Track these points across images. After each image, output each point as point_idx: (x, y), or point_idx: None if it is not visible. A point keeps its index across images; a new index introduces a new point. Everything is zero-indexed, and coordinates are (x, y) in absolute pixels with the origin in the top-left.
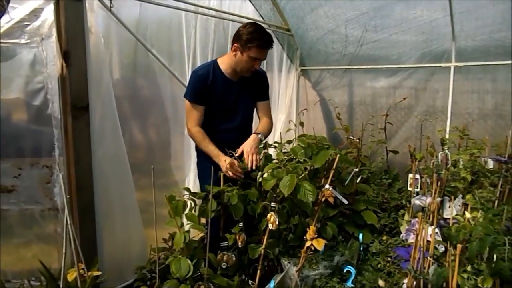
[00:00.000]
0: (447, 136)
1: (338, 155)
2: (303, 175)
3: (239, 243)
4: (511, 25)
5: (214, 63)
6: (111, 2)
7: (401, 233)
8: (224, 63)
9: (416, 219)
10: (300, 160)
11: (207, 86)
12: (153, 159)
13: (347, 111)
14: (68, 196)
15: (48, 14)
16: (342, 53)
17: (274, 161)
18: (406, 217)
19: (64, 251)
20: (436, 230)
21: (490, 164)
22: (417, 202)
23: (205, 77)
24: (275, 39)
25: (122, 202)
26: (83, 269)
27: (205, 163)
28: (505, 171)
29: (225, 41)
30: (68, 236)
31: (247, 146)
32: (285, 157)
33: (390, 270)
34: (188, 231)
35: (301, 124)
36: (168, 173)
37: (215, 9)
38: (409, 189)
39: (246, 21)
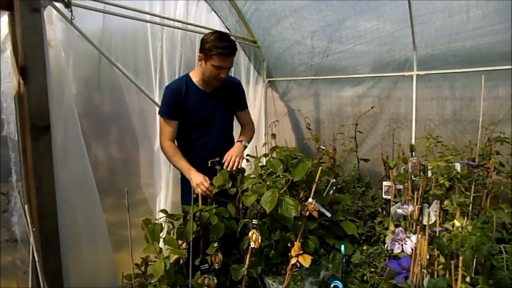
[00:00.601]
0: (413, 143)
1: (320, 167)
2: (284, 189)
3: (216, 265)
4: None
5: (187, 76)
6: (72, 14)
7: (379, 241)
8: (196, 75)
9: (400, 228)
10: (279, 174)
11: (180, 99)
12: (119, 177)
13: (314, 121)
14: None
15: (2, 26)
16: (308, 63)
17: (252, 176)
18: (391, 227)
19: None
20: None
21: (458, 168)
22: (399, 211)
23: (177, 91)
24: (241, 51)
25: (89, 227)
26: None
27: (184, 180)
28: (476, 176)
29: (192, 53)
30: (33, 271)
31: (232, 152)
32: (263, 171)
33: (376, 281)
34: (167, 257)
35: (273, 136)
36: (136, 191)
37: (181, 21)
38: (384, 196)
39: None
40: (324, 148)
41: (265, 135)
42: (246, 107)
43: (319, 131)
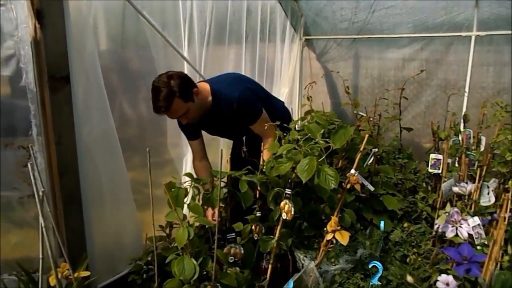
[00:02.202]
0: (463, 112)
1: (367, 135)
2: (323, 157)
3: (255, 235)
4: None
5: None
6: None
7: (421, 218)
8: None
9: (456, 209)
10: (318, 140)
11: (189, 125)
12: (145, 136)
13: (352, 85)
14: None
15: None
16: (351, 20)
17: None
18: (448, 208)
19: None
20: (478, 221)
21: None
22: (455, 189)
23: None
24: (277, 6)
25: (112, 186)
26: (68, 269)
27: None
28: None
29: (225, 6)
30: (47, 232)
31: None
32: (299, 136)
33: (419, 264)
34: (191, 225)
35: (309, 98)
36: (162, 150)
37: None
38: (430, 170)
39: None
40: (363, 114)
41: (299, 98)
42: (253, 122)
43: (357, 96)
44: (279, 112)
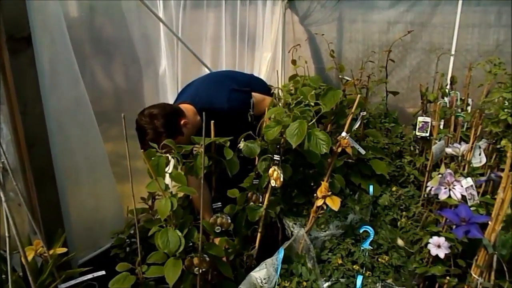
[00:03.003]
0: (449, 74)
1: (358, 96)
2: (313, 121)
3: (251, 203)
4: None
5: None
6: None
7: (409, 181)
8: None
9: (449, 171)
10: (310, 102)
11: None
12: (123, 106)
13: (336, 50)
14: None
15: None
16: None
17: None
18: (442, 169)
19: (7, 233)
20: (471, 182)
21: None
22: (449, 150)
23: None
24: None
25: (88, 158)
26: (42, 246)
27: None
28: None
29: None
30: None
31: None
32: (291, 100)
33: (409, 227)
34: (175, 195)
35: (294, 62)
36: None
37: None
38: (418, 133)
39: None
40: (348, 79)
41: (282, 63)
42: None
43: (340, 61)
44: (261, 88)
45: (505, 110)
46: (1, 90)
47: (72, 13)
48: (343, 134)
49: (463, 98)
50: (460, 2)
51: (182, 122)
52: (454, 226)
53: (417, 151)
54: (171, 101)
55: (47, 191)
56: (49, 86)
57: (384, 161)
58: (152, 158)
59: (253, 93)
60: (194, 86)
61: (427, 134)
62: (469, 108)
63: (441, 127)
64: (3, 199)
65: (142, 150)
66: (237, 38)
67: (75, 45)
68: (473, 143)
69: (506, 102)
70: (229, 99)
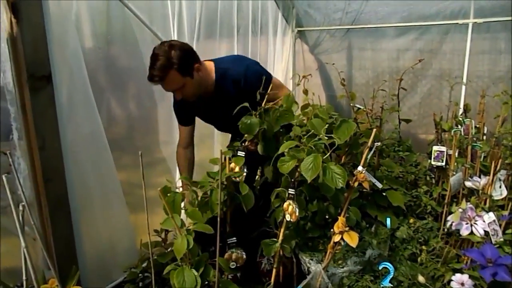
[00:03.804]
0: (462, 101)
1: (375, 129)
2: (328, 154)
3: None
4: None
5: None
6: None
7: (426, 213)
8: None
9: (470, 205)
10: (322, 136)
11: (184, 109)
12: (136, 134)
13: (346, 77)
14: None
15: None
16: (344, 10)
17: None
18: (463, 204)
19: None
20: (493, 217)
21: None
22: (469, 183)
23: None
24: None
25: (102, 189)
26: (57, 285)
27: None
28: None
29: None
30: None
31: None
32: (302, 132)
33: (429, 262)
34: (190, 233)
35: (305, 91)
36: (154, 149)
37: None
38: (433, 163)
39: None
40: (360, 107)
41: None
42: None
43: (351, 88)
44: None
45: None
46: (21, 126)
47: (88, 44)
48: (359, 168)
49: (478, 125)
50: (470, 30)
51: (195, 65)
52: (478, 264)
53: (433, 181)
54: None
55: (62, 226)
56: (66, 120)
57: (400, 191)
58: (168, 195)
59: (274, 77)
60: (222, 57)
61: (443, 164)
62: (484, 137)
63: (456, 154)
64: (23, 245)
65: (148, 79)
66: None
67: (90, 74)
68: (493, 176)
69: None
70: (248, 66)
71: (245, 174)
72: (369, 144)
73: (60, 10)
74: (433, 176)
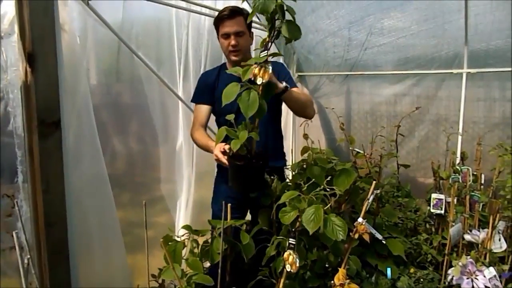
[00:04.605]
0: (459, 149)
1: (374, 182)
2: (328, 205)
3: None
4: None
5: (223, 63)
6: None
7: (427, 262)
8: (228, 61)
9: (470, 260)
10: (323, 187)
11: (209, 84)
12: (137, 172)
13: (344, 121)
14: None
15: (8, 7)
16: (343, 57)
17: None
18: (463, 259)
19: None
20: (494, 272)
21: None
22: (468, 237)
23: (208, 74)
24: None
25: (101, 232)
26: None
27: (218, 179)
28: None
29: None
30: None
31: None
32: (302, 181)
33: None
34: (190, 284)
35: (306, 136)
36: (153, 187)
37: (209, 7)
38: (432, 210)
39: None
40: (359, 151)
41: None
42: (293, 85)
43: (349, 132)
44: None
45: None
46: (27, 169)
47: (94, 80)
48: (360, 220)
49: (475, 173)
50: (464, 78)
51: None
52: None
53: (432, 229)
54: (186, 173)
55: (60, 271)
56: (71, 165)
57: (399, 239)
58: (169, 243)
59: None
60: None
61: (442, 211)
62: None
63: (455, 202)
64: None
65: (217, 16)
66: None
67: (96, 111)
68: (492, 230)
69: None
70: (283, 65)
71: None
72: (368, 196)
73: (73, 55)
74: (432, 223)
